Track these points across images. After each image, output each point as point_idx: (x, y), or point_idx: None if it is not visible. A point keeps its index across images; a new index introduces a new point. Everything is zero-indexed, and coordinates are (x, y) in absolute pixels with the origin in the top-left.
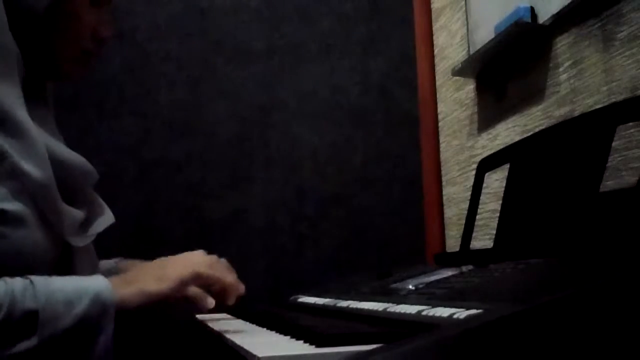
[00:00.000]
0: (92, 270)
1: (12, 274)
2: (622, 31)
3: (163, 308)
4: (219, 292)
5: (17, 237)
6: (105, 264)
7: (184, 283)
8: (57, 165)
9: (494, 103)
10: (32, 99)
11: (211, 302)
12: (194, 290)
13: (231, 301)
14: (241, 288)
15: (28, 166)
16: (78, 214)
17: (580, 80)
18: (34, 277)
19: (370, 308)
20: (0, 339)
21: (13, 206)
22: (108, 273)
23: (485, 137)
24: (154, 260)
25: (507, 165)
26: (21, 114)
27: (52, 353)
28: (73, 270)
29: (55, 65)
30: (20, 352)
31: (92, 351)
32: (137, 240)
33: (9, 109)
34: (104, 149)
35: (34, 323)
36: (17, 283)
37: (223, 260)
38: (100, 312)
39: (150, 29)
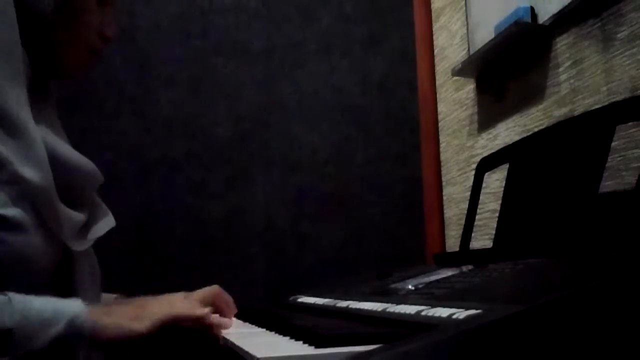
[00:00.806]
0: (92, 275)
1: (12, 279)
2: (622, 31)
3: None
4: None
5: (16, 242)
6: (105, 297)
7: (163, 323)
8: (60, 166)
9: (494, 103)
10: (38, 99)
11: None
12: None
13: (218, 334)
14: (226, 323)
15: (27, 171)
16: (78, 217)
17: (580, 80)
18: (12, 295)
19: (370, 308)
20: None
21: (12, 212)
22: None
23: (485, 137)
24: (135, 299)
25: (507, 165)
26: (24, 115)
27: None
28: (73, 274)
29: (61, 65)
30: None
31: None
32: (137, 241)
33: (10, 110)
34: (104, 149)
35: (8, 342)
36: None
37: (216, 287)
38: (74, 335)
39: (150, 29)
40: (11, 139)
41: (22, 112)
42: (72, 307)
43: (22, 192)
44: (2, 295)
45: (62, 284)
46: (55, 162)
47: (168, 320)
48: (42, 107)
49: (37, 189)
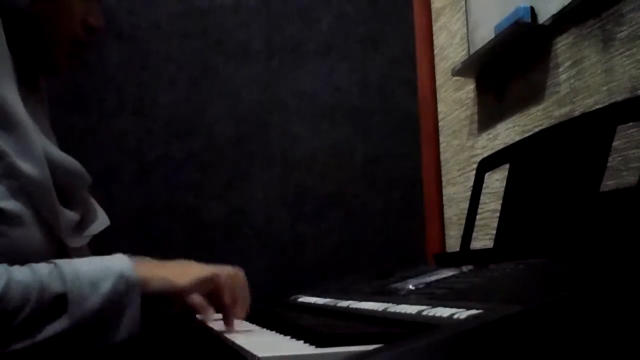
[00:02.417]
0: None
1: None
2: (622, 31)
3: (169, 306)
4: (225, 305)
5: (15, 235)
6: None
7: (202, 282)
8: (51, 167)
9: (494, 103)
10: (28, 98)
11: (211, 317)
12: (199, 300)
13: (229, 320)
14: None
15: (25, 165)
16: (73, 215)
17: (580, 80)
18: (57, 261)
19: (370, 308)
20: (33, 325)
21: (11, 205)
22: None
23: (485, 137)
24: (177, 260)
25: (507, 165)
26: (20, 111)
27: (82, 332)
28: None
29: (46, 57)
30: (53, 335)
31: (121, 325)
32: (136, 240)
33: (8, 107)
34: (104, 149)
35: (64, 305)
36: (42, 268)
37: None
38: (125, 288)
39: (150, 29)
40: (9, 133)
41: (20, 109)
42: (119, 262)
43: (21, 186)
44: (48, 263)
45: None
46: (47, 162)
47: (209, 278)
48: (32, 106)
49: (34, 183)
